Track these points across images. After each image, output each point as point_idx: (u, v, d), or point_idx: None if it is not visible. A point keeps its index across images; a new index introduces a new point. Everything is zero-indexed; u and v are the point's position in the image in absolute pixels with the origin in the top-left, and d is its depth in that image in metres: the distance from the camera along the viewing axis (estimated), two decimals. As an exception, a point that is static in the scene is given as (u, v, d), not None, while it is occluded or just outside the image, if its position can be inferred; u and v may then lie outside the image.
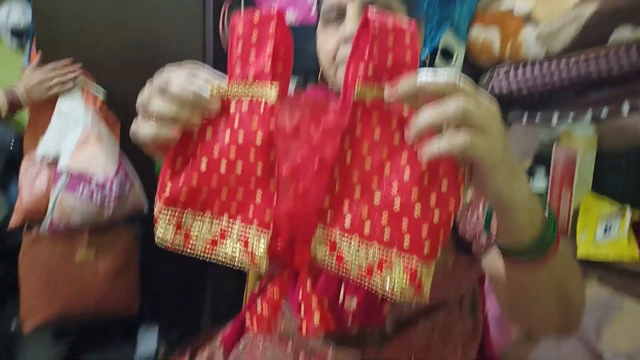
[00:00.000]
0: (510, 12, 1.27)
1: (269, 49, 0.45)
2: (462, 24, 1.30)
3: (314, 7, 1.33)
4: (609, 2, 1.10)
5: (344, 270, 0.45)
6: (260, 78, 0.46)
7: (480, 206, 0.64)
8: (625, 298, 0.98)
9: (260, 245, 0.45)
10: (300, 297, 0.47)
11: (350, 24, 0.67)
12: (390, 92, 0.42)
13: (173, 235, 0.48)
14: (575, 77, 1.19)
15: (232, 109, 0.47)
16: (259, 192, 0.46)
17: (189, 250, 0.48)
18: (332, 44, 0.69)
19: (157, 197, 0.48)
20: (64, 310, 1.26)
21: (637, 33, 1.06)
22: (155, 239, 0.49)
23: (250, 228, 0.46)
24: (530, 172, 1.33)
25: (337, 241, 0.45)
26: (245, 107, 0.46)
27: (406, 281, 0.42)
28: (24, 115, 1.44)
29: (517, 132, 1.37)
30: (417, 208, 0.42)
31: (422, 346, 0.72)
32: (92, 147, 1.22)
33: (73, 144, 1.21)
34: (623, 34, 1.09)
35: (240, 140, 0.46)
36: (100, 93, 1.32)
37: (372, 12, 0.43)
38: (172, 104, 0.45)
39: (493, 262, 0.61)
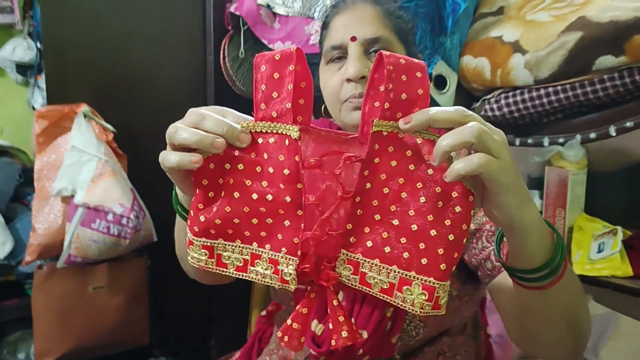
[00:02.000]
0: (499, 40, 1.32)
1: (289, 86, 0.49)
2: (453, 54, 1.35)
3: (312, 38, 1.39)
4: (592, 30, 1.15)
5: (367, 289, 0.50)
6: (283, 117, 0.49)
7: (484, 234, 0.68)
8: (621, 315, 1.01)
9: (288, 269, 0.50)
10: (328, 312, 0.52)
11: (352, 64, 0.70)
12: (406, 123, 0.46)
13: (206, 259, 0.52)
14: (564, 102, 1.24)
15: (260, 143, 0.50)
16: (287, 221, 0.50)
17: (221, 271, 0.53)
18: (335, 83, 0.73)
19: (187, 227, 0.53)
20: (78, 344, 1.28)
21: (620, 60, 1.11)
22: (189, 259, 0.54)
23: (279, 255, 0.51)
24: (525, 193, 1.38)
25: (360, 262, 0.49)
26: (272, 141, 0.50)
27: (425, 298, 0.47)
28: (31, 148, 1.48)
29: (512, 155, 1.42)
30: (433, 233, 0.47)
31: (427, 371, 0.74)
32: (107, 181, 1.26)
33: (88, 178, 1.25)
34: (606, 60, 1.14)
35: (269, 173, 0.50)
36: (109, 127, 1.37)
37: (385, 52, 0.47)
38: (207, 134, 0.48)
39: (501, 286, 0.64)
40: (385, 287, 0.49)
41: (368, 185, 0.49)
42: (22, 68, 2.06)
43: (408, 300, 0.48)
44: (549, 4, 1.32)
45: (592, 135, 1.26)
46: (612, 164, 1.26)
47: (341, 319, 0.51)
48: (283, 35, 1.45)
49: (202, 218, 0.51)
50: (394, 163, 0.48)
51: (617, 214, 1.28)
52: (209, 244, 0.52)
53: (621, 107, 1.20)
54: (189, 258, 0.53)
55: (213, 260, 0.52)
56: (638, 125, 1.17)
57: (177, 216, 0.68)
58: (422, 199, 0.47)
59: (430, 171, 0.47)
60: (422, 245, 0.47)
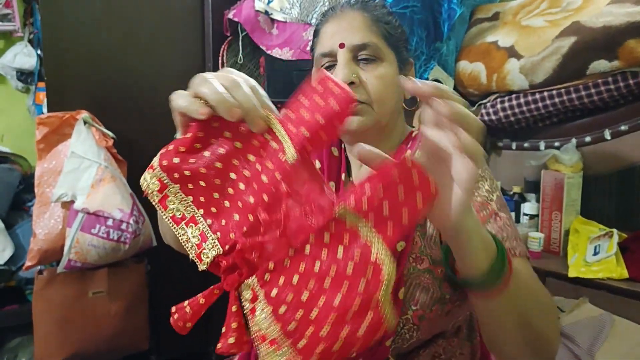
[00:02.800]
0: (494, 46, 1.34)
1: (321, 120, 0.48)
2: (449, 59, 1.37)
3: (309, 44, 1.41)
4: (586, 35, 1.17)
5: (251, 318, 0.49)
6: (296, 137, 0.49)
7: None
8: (617, 317, 1.02)
9: (210, 252, 0.51)
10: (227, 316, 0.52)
11: (341, 71, 0.71)
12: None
13: (154, 191, 0.53)
14: (559, 106, 1.25)
15: (266, 138, 0.50)
16: (236, 215, 0.51)
17: (157, 209, 0.53)
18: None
19: (159, 155, 0.52)
20: (78, 350, 1.28)
21: (613, 64, 1.13)
22: (141, 180, 0.54)
23: (211, 236, 0.52)
24: (522, 197, 1.39)
25: (259, 299, 0.49)
26: (273, 147, 0.50)
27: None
28: (32, 155, 1.49)
29: (508, 159, 1.44)
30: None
31: (422, 374, 0.75)
32: (107, 187, 1.27)
33: (88, 184, 1.26)
34: (600, 65, 1.15)
35: (255, 168, 0.51)
36: (109, 134, 1.38)
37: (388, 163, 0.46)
38: (229, 98, 0.47)
39: None
40: (263, 334, 0.48)
41: (307, 249, 0.48)
42: (23, 75, 2.08)
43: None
44: (544, 9, 1.34)
45: (587, 139, 1.27)
46: (607, 167, 1.27)
47: (234, 325, 0.51)
48: (281, 42, 1.46)
49: (175, 160, 0.52)
50: (327, 241, 0.47)
51: (612, 217, 1.29)
52: (165, 182, 0.53)
53: (615, 111, 1.22)
54: (142, 179, 0.53)
55: (159, 195, 0.53)
56: (633, 129, 1.19)
57: None
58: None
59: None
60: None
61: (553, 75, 1.22)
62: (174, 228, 0.53)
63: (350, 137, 0.71)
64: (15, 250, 1.60)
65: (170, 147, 0.52)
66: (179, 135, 0.56)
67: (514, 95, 1.32)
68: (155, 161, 0.53)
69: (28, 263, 1.25)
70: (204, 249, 0.52)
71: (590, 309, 1.08)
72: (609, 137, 1.23)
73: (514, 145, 1.39)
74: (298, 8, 1.45)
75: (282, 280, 0.49)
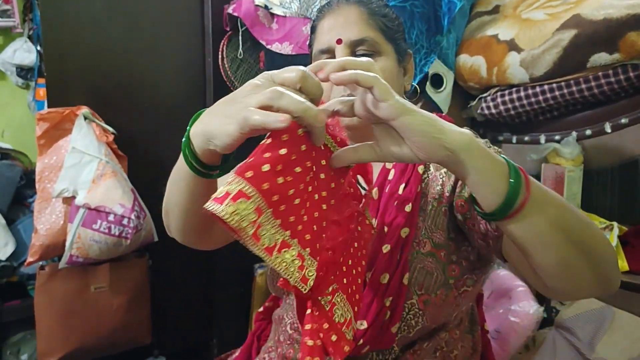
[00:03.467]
0: (495, 39, 1.33)
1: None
2: (449, 53, 1.36)
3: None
4: (587, 28, 1.16)
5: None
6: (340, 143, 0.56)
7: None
8: (617, 310, 1.02)
9: (311, 270, 0.50)
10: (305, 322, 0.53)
11: None
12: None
13: (249, 222, 0.45)
14: (559, 99, 1.25)
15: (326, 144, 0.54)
16: (315, 227, 0.51)
17: (248, 243, 0.46)
18: (326, 86, 0.73)
19: (240, 169, 0.46)
20: (80, 344, 1.29)
21: (614, 57, 1.13)
22: (223, 214, 0.44)
23: (305, 252, 0.50)
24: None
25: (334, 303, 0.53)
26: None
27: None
28: (32, 151, 1.49)
29: (509, 153, 1.43)
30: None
31: (425, 366, 0.75)
32: (108, 182, 1.27)
33: (89, 179, 1.26)
34: (601, 58, 1.15)
35: (325, 175, 0.53)
36: (110, 129, 1.38)
37: None
38: (312, 106, 0.48)
39: (509, 245, 0.63)
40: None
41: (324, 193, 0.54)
42: (23, 71, 2.08)
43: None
44: (544, 2, 1.33)
45: (588, 132, 1.27)
46: (608, 161, 1.27)
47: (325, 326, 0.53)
48: (281, 36, 1.46)
49: (265, 167, 0.46)
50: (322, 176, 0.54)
51: (612, 210, 1.29)
52: (261, 207, 0.46)
53: (616, 104, 1.21)
54: (224, 212, 0.44)
55: (253, 228, 0.45)
56: (633, 122, 1.18)
57: (177, 164, 0.62)
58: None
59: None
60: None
61: (554, 69, 1.21)
62: (269, 259, 0.47)
63: (353, 133, 0.71)
64: (17, 246, 1.61)
65: (260, 164, 0.46)
66: (201, 143, 0.54)
67: (514, 89, 1.32)
68: (246, 188, 0.45)
69: (30, 259, 1.26)
70: (306, 269, 0.50)
71: (590, 302, 1.08)
72: (609, 130, 1.22)
73: (514, 139, 1.39)
74: (298, 2, 1.45)
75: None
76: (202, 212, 0.44)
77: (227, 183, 0.45)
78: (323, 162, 0.53)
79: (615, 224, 1.16)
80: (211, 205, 0.44)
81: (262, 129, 0.46)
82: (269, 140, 0.47)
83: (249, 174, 0.45)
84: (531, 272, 0.61)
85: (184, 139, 0.56)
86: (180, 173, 0.61)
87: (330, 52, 0.75)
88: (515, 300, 1.08)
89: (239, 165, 0.46)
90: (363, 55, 0.74)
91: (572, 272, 0.55)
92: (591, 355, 0.94)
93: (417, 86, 0.87)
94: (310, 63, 0.81)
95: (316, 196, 0.51)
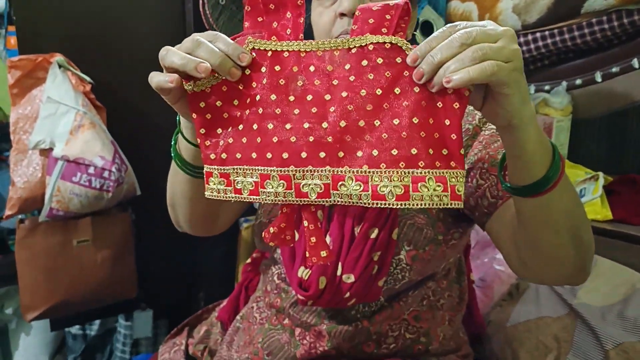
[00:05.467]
0: (487, -16, 1.29)
1: (288, 14, 0.52)
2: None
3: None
4: (581, -28, 1.12)
5: (381, 202, 0.48)
6: (283, 37, 0.51)
7: (478, 172, 0.67)
8: (599, 257, 1.04)
9: (311, 183, 0.50)
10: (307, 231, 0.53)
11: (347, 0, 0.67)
12: (447, 83, 0.45)
13: (225, 188, 0.53)
14: (551, 47, 1.22)
15: (257, 65, 0.52)
16: (276, 137, 0.51)
17: (237, 198, 0.52)
18: (328, 18, 0.69)
19: (202, 158, 0.54)
20: (64, 298, 1.28)
21: (608, 2, 1.09)
22: (206, 194, 0.54)
23: (288, 170, 0.50)
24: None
25: (369, 175, 0.48)
26: (268, 57, 0.51)
27: (441, 190, 0.47)
28: (7, 103, 1.43)
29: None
30: (431, 121, 0.47)
31: (411, 316, 0.76)
32: (86, 133, 1.23)
33: (67, 131, 1.21)
34: (596, 2, 1.12)
35: (265, 89, 0.51)
36: (86, 78, 1.32)
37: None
38: (214, 52, 0.49)
39: (500, 219, 0.64)
40: (400, 192, 0.47)
41: (344, 93, 0.49)
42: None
43: (426, 198, 0.47)
44: (539, -55, 1.28)
45: (578, 81, 1.25)
46: (597, 111, 1.26)
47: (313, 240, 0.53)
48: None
49: (212, 156, 0.53)
50: (370, 76, 0.49)
51: (600, 160, 1.29)
52: (224, 171, 0.53)
53: (607, 53, 1.19)
54: (207, 193, 0.54)
55: (231, 188, 0.53)
56: (624, 70, 1.17)
57: (173, 162, 0.68)
58: (405, 103, 0.48)
59: (406, 73, 0.48)
60: (422, 134, 0.47)
61: (547, 15, 1.18)
62: (259, 200, 0.52)
63: None
64: (-5, 199, 1.57)
65: (203, 143, 0.53)
66: (182, 121, 0.61)
67: (505, 37, 1.28)
68: (206, 167, 0.54)
69: (8, 212, 1.23)
70: (300, 184, 0.50)
71: (574, 250, 1.10)
72: (600, 80, 1.21)
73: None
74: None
75: (348, 137, 0.50)
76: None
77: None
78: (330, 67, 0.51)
79: (600, 173, 1.16)
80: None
81: (160, 91, 0.52)
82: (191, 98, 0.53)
83: (202, 149, 0.54)
84: (513, 249, 0.63)
85: (172, 148, 0.65)
86: (174, 169, 0.69)
87: None
88: (500, 250, 1.09)
89: None
90: None
91: (561, 258, 0.58)
92: (573, 301, 0.96)
93: (416, 34, 0.84)
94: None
95: (278, 110, 0.51)
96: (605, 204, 1.12)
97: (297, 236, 0.58)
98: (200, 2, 1.45)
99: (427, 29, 1.33)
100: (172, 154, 0.66)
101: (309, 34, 0.75)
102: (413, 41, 0.83)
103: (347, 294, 0.69)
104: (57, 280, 1.27)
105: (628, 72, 1.17)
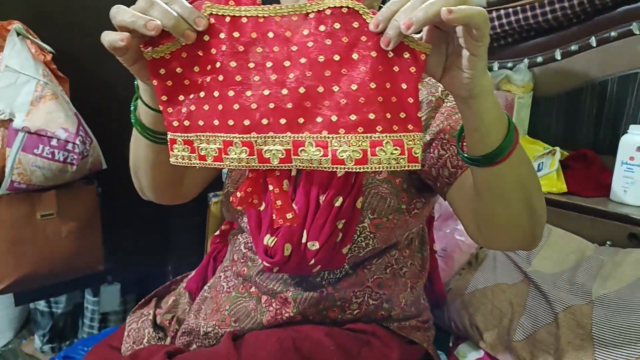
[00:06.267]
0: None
1: None
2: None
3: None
4: (545, -49, 1.15)
5: (340, 167, 0.50)
6: (240, 2, 0.51)
7: (440, 143, 0.69)
8: (552, 227, 1.09)
9: (272, 149, 0.51)
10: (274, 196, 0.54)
11: None
12: (408, 28, 0.44)
13: (189, 154, 0.54)
14: (514, 25, 1.25)
15: (215, 31, 0.51)
16: (237, 104, 0.51)
17: (202, 164, 0.53)
18: None
19: (165, 126, 0.54)
20: (30, 271, 1.26)
21: (570, -18, 1.13)
22: (171, 160, 0.55)
23: (249, 136, 0.51)
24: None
25: (328, 140, 0.50)
26: (226, 23, 0.51)
27: (398, 153, 0.49)
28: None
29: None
30: (387, 85, 0.48)
31: (375, 283, 0.79)
32: (48, 104, 1.19)
33: (27, 101, 1.17)
34: (557, -18, 1.15)
35: (225, 56, 0.51)
36: (47, 48, 1.28)
37: None
38: (168, 13, 0.49)
39: (460, 188, 0.66)
40: (358, 156, 0.49)
41: (303, 59, 0.49)
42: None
43: (384, 161, 0.49)
44: None
45: (539, 59, 1.29)
46: (556, 88, 1.31)
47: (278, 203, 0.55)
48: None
49: (175, 123, 0.53)
50: (328, 41, 0.49)
51: (557, 136, 1.34)
52: (188, 138, 0.53)
53: (567, 31, 1.23)
54: (172, 159, 0.55)
55: (195, 155, 0.53)
56: (582, 49, 1.21)
57: (134, 129, 0.67)
58: (362, 68, 0.48)
59: (363, 38, 0.48)
60: (380, 99, 0.48)
61: (510, -7, 1.21)
62: (223, 166, 0.53)
63: None
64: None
65: (166, 110, 0.53)
66: (140, 84, 0.60)
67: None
68: (169, 134, 0.54)
69: (-34, 184, 1.19)
70: (262, 150, 0.51)
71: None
72: (559, 58, 1.25)
73: (468, 66, 1.39)
74: None
75: (308, 103, 0.50)
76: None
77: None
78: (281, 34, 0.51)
79: (557, 148, 1.21)
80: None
81: (114, 50, 0.51)
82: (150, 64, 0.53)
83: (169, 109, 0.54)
84: (471, 217, 0.66)
85: (132, 114, 0.64)
86: (135, 135, 0.68)
87: None
88: (461, 221, 1.13)
89: None
90: None
91: (516, 226, 0.60)
92: (528, 268, 1.01)
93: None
94: None
95: (256, 77, 0.51)
96: (561, 177, 1.18)
97: (263, 205, 0.59)
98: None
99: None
100: (132, 120, 0.66)
101: None
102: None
103: (312, 261, 0.70)
104: (21, 253, 1.25)
105: (586, 50, 1.22)
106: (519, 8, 1.22)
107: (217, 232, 1.02)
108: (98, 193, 1.40)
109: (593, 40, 1.19)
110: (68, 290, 1.57)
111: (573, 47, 1.22)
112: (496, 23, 1.27)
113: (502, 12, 1.25)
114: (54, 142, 1.19)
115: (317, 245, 0.70)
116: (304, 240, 0.70)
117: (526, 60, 1.29)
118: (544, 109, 1.35)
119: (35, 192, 1.26)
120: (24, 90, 1.19)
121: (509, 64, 1.33)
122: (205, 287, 0.90)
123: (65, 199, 1.30)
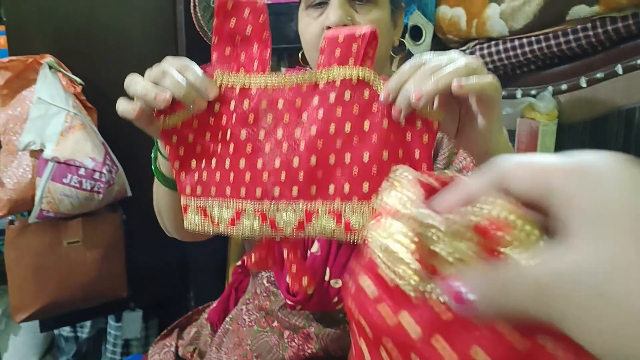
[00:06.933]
0: (475, -10, 1.30)
1: (254, 45, 0.52)
2: (429, 3, 1.33)
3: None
4: (567, -20, 1.14)
5: (352, 234, 0.50)
6: (250, 70, 0.51)
7: None
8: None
9: (284, 217, 0.51)
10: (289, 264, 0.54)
11: (334, 12, 0.67)
12: (417, 100, 0.45)
13: (202, 220, 0.54)
14: (537, 53, 1.24)
15: (226, 101, 0.52)
16: (249, 175, 0.51)
17: (215, 231, 0.54)
18: (315, 29, 0.70)
19: (179, 190, 0.55)
20: (54, 299, 1.28)
21: (593, 9, 1.12)
22: (185, 225, 0.55)
23: (264, 203, 0.51)
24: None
25: (342, 209, 0.49)
26: (237, 92, 0.52)
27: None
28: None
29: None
30: (398, 159, 0.48)
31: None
32: (77, 134, 1.23)
33: (57, 132, 1.21)
34: (580, 10, 1.14)
35: (236, 125, 0.52)
36: (77, 79, 1.32)
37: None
38: (179, 83, 0.50)
39: None
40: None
41: (313, 129, 0.49)
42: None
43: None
44: (526, -48, 1.30)
45: (564, 86, 1.27)
46: (581, 115, 1.28)
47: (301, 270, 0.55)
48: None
49: (188, 182, 0.54)
50: (338, 111, 0.49)
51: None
52: (200, 205, 0.54)
53: (592, 58, 1.21)
54: (186, 224, 0.55)
55: (208, 220, 0.53)
56: (608, 76, 1.19)
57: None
58: (374, 137, 0.48)
59: (374, 107, 0.48)
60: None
61: (534, 21, 1.20)
62: (234, 232, 0.52)
63: None
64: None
65: (175, 176, 0.55)
66: (158, 142, 0.62)
67: (493, 42, 1.30)
68: (183, 200, 0.55)
69: (-2, 214, 1.22)
70: (276, 219, 0.51)
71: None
72: (584, 85, 1.23)
73: (491, 94, 1.39)
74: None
75: (320, 173, 0.50)
76: None
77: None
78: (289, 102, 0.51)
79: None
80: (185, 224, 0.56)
81: (126, 117, 0.53)
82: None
83: (182, 177, 0.55)
84: None
85: (152, 163, 0.67)
86: (160, 187, 0.70)
87: (323, 4, 0.71)
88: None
89: None
90: (360, 5, 0.70)
91: None
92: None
93: (404, 41, 0.85)
94: (295, 14, 0.77)
95: (249, 147, 0.52)
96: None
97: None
98: (192, 3, 1.45)
99: (416, 33, 1.35)
100: (153, 169, 0.67)
101: (296, 41, 0.77)
102: (402, 47, 0.85)
103: (335, 299, 0.70)
104: (46, 280, 1.27)
105: (612, 77, 1.20)
106: (542, 37, 1.21)
107: (239, 262, 1.02)
108: (123, 220, 1.43)
109: (619, 68, 1.17)
110: (92, 316, 1.58)
111: (599, 75, 1.20)
112: (519, 51, 1.26)
113: (524, 40, 1.24)
114: (81, 171, 1.22)
115: (339, 283, 0.69)
116: (327, 278, 0.70)
117: (550, 88, 1.28)
118: (569, 136, 1.32)
119: (62, 220, 1.28)
120: (54, 121, 1.23)
121: (533, 91, 1.32)
122: (227, 319, 0.89)
123: (91, 227, 1.33)
